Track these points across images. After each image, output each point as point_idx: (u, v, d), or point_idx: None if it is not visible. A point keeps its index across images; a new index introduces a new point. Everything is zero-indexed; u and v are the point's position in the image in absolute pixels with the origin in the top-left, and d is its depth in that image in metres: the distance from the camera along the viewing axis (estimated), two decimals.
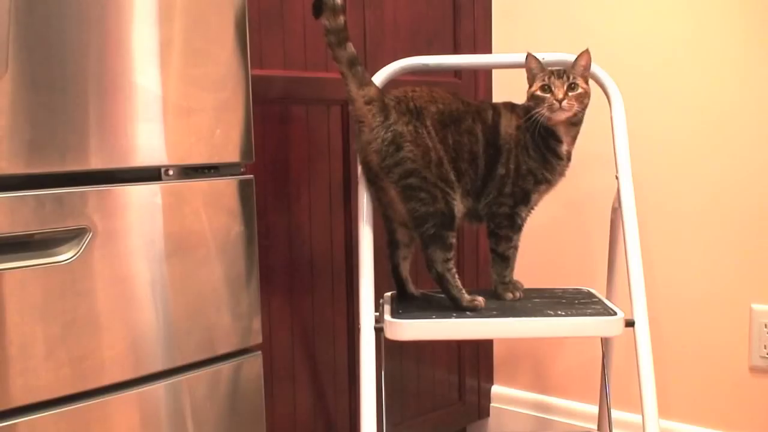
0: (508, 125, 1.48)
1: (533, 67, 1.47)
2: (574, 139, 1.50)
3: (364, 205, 1.48)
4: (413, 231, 1.45)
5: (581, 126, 1.49)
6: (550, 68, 1.46)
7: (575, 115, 1.45)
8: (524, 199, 1.48)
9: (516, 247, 1.51)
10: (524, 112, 1.48)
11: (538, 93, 1.44)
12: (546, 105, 1.43)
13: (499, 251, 1.50)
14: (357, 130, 1.42)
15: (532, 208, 1.52)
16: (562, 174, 1.51)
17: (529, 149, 1.46)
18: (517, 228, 1.50)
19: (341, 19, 1.37)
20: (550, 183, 1.50)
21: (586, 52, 1.47)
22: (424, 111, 1.41)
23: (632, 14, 1.82)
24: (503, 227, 1.49)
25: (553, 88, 1.43)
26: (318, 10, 1.37)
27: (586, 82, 1.47)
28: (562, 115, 1.44)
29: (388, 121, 1.39)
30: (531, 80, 1.47)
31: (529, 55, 1.47)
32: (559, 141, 1.47)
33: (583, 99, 1.45)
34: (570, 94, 1.43)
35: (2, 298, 1.00)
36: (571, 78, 1.44)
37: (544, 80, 1.44)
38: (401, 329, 1.38)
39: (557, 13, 1.94)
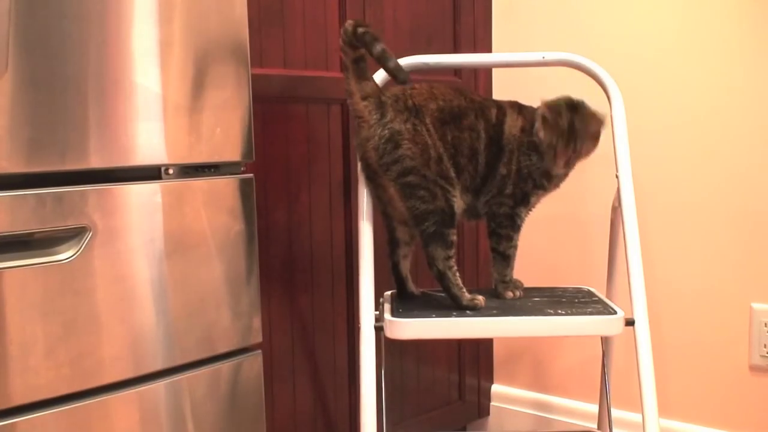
0: (512, 125, 1.48)
1: (547, 113, 1.46)
2: None
3: (364, 201, 1.47)
4: (413, 229, 1.45)
5: None
6: (559, 112, 1.45)
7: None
8: (524, 201, 1.49)
9: (516, 246, 1.51)
10: (531, 116, 1.48)
11: (545, 147, 1.45)
12: (551, 164, 1.47)
13: (500, 250, 1.50)
14: (356, 126, 1.43)
15: (531, 209, 1.52)
16: (557, 185, 1.53)
17: (531, 154, 1.47)
18: (517, 228, 1.50)
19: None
20: (546, 190, 1.52)
21: (603, 118, 1.47)
22: (423, 109, 1.41)
23: (632, 12, 1.82)
24: (504, 227, 1.49)
25: (559, 151, 1.45)
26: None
27: (595, 139, 1.48)
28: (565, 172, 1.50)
29: (385, 118, 1.39)
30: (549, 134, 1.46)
31: (543, 103, 1.47)
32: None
33: (587, 155, 1.49)
34: (573, 157, 1.47)
35: (2, 297, 1.00)
36: (578, 145, 1.45)
37: (550, 138, 1.44)
38: (401, 328, 1.38)
39: (557, 12, 1.94)
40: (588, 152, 1.48)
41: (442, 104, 1.43)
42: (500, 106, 1.50)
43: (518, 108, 1.51)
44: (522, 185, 1.48)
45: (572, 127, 1.44)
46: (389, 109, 1.39)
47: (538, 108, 1.46)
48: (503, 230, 1.50)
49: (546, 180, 1.49)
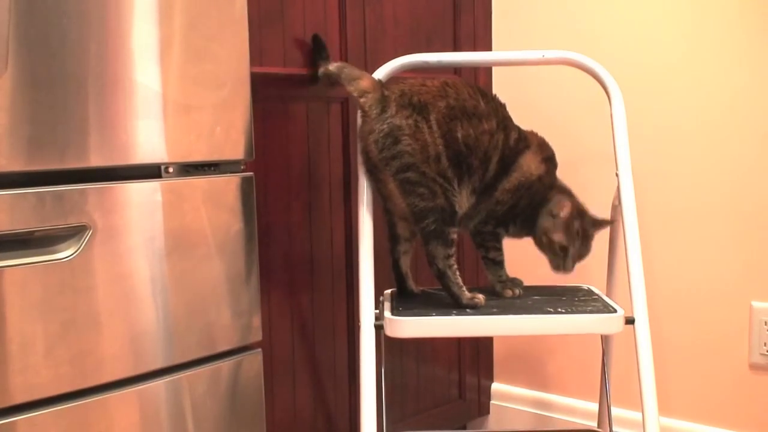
0: (531, 164, 1.48)
1: (566, 211, 1.48)
2: None
3: (364, 194, 1.47)
4: (414, 226, 1.45)
5: None
6: (573, 213, 1.47)
7: None
8: (504, 226, 1.51)
9: (503, 252, 1.53)
10: (553, 170, 1.50)
11: (556, 246, 1.48)
12: (554, 264, 1.50)
13: (489, 257, 1.52)
14: (361, 119, 1.43)
15: (509, 234, 1.55)
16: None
17: (530, 207, 1.49)
18: (500, 240, 1.53)
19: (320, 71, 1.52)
20: (517, 236, 1.55)
21: (608, 222, 1.51)
22: (429, 106, 1.40)
23: (632, 11, 1.82)
24: (489, 240, 1.52)
25: (568, 255, 1.48)
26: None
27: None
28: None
29: (385, 114, 1.39)
30: (559, 212, 1.48)
31: (567, 203, 1.47)
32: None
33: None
34: (579, 257, 1.50)
35: (2, 296, 1.00)
36: (585, 249, 1.49)
37: (564, 238, 1.47)
38: (401, 327, 1.38)
39: (557, 10, 1.93)
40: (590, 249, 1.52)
41: (454, 102, 1.42)
42: (525, 136, 1.49)
43: (546, 154, 1.50)
44: (509, 217, 1.49)
45: (585, 232, 1.49)
46: (392, 104, 1.39)
47: (559, 206, 1.47)
48: (489, 243, 1.52)
49: (522, 226, 1.52)
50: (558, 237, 1.47)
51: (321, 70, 1.53)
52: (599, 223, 1.51)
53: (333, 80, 1.50)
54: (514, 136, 1.47)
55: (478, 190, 1.45)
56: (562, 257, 1.49)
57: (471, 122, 1.42)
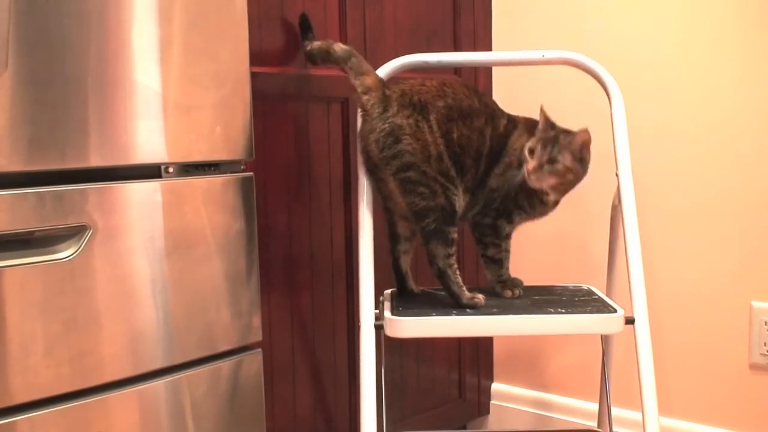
0: (517, 141, 1.46)
1: (540, 120, 1.43)
2: (565, 192, 1.48)
3: (364, 194, 1.47)
4: (414, 225, 1.45)
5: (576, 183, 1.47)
6: (552, 126, 1.42)
7: (553, 188, 1.43)
8: (506, 215, 1.49)
9: (507, 250, 1.51)
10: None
11: (525, 153, 1.41)
12: (524, 171, 1.41)
13: (489, 255, 1.51)
14: (361, 118, 1.43)
15: (515, 226, 1.51)
16: (543, 214, 1.51)
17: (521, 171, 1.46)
18: (503, 237, 1.50)
19: (315, 44, 1.50)
20: (527, 213, 1.50)
21: (585, 132, 1.42)
22: (429, 105, 1.41)
23: (632, 10, 1.82)
24: (488, 235, 1.50)
25: (533, 156, 1.40)
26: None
27: (579, 161, 1.42)
28: (536, 185, 1.42)
29: (387, 113, 1.39)
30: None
31: (542, 110, 1.42)
32: (546, 193, 1.45)
33: (565, 175, 1.41)
34: (547, 167, 1.40)
35: (3, 296, 1.00)
36: (554, 152, 1.40)
37: (532, 142, 1.41)
38: (401, 327, 1.38)
39: (557, 10, 1.94)
40: (567, 168, 1.41)
41: (451, 102, 1.42)
42: (512, 119, 1.49)
43: (531, 125, 1.48)
44: (507, 201, 1.47)
45: (555, 138, 1.41)
46: (393, 104, 1.40)
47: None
48: (488, 239, 1.50)
49: (528, 203, 1.47)
50: (530, 143, 1.41)
51: (315, 44, 1.49)
52: (562, 130, 1.44)
53: (331, 61, 1.47)
54: (503, 122, 1.47)
55: (471, 187, 1.45)
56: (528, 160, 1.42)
57: (465, 122, 1.42)
